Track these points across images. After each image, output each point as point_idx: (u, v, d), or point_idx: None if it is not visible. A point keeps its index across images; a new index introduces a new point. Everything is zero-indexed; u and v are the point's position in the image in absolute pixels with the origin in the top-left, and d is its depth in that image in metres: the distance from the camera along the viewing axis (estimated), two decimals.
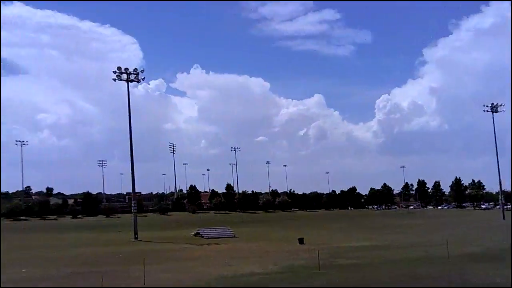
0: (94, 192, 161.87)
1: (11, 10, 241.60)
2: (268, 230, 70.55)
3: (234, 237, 56.76)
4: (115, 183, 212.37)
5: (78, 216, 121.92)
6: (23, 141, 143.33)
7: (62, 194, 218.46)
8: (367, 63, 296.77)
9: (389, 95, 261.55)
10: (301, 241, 46.90)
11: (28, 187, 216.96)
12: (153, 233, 64.99)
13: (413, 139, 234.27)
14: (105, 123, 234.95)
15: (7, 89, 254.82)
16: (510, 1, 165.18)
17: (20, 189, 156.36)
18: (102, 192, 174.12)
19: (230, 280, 25.65)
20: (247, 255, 38.23)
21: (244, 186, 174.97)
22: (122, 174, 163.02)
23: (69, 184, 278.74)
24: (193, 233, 59.24)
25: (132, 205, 60.12)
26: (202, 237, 56.41)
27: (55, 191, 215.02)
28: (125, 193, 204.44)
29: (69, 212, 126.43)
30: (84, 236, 66.85)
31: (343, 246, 43.67)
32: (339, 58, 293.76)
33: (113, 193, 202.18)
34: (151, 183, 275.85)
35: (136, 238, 55.55)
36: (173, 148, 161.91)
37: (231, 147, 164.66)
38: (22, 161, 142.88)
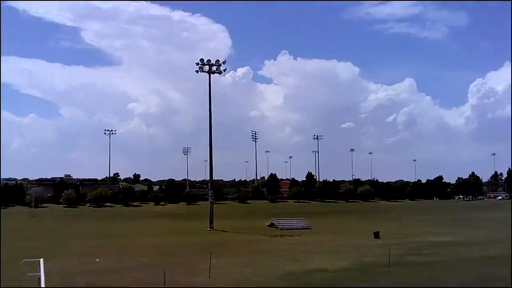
0: (179, 179, 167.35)
1: (106, 3, 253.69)
2: (345, 222, 69.59)
3: (309, 228, 56.24)
4: (199, 170, 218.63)
5: (160, 203, 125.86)
6: (112, 130, 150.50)
7: (149, 180, 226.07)
8: (461, 46, 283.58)
9: (483, 78, 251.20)
10: (376, 235, 45.59)
11: (117, 173, 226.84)
12: (229, 222, 65.74)
13: (507, 125, 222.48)
14: (193, 111, 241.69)
15: (101, 80, 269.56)
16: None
17: (108, 175, 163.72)
18: (186, 179, 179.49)
19: (294, 277, 25.22)
20: (318, 249, 37.67)
21: (327, 174, 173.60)
22: (206, 161, 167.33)
23: (156, 171, 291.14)
24: (268, 224, 59.24)
25: (209, 195, 60.66)
26: (277, 228, 56.28)
27: (142, 177, 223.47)
28: (207, 180, 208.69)
29: (152, 199, 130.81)
30: (162, 224, 68.80)
31: (420, 242, 42.06)
32: (432, 41, 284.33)
33: (198, 180, 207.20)
34: (234, 169, 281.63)
35: (211, 227, 56.29)
36: (255, 136, 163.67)
37: (314, 135, 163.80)
38: (110, 149, 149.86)
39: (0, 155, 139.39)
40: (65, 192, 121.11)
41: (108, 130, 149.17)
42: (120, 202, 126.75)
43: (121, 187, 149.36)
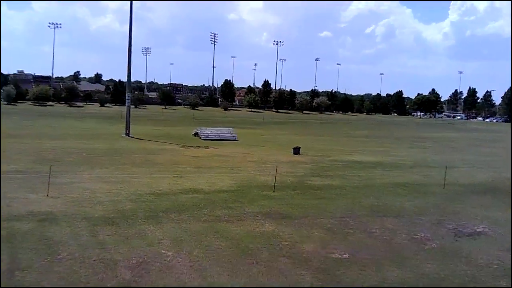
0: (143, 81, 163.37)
1: None
2: (282, 134, 66.03)
3: (235, 140, 52.39)
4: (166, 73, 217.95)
5: (105, 105, 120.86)
6: (57, 24, 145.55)
7: (113, 80, 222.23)
8: None
9: None
10: (296, 151, 41.74)
11: (77, 72, 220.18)
12: (156, 129, 61.75)
13: (484, 44, 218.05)
14: (170, 10, 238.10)
15: None
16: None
17: (71, 73, 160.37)
18: (145, 81, 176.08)
19: (151, 199, 21.26)
20: (222, 164, 33.81)
21: (294, 84, 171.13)
22: (172, 64, 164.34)
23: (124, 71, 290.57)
24: (193, 133, 55.22)
25: (127, 98, 55.34)
26: (200, 138, 52.31)
27: (107, 77, 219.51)
28: (175, 83, 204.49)
29: (97, 100, 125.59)
30: (83, 126, 64.51)
31: (338, 160, 38.56)
32: None
33: (164, 83, 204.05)
34: (203, 74, 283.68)
35: (127, 133, 51.89)
36: (215, 39, 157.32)
37: (274, 41, 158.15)
38: (54, 43, 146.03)
39: None
40: (4, 88, 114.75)
41: (52, 23, 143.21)
42: (63, 102, 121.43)
43: (77, 86, 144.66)
